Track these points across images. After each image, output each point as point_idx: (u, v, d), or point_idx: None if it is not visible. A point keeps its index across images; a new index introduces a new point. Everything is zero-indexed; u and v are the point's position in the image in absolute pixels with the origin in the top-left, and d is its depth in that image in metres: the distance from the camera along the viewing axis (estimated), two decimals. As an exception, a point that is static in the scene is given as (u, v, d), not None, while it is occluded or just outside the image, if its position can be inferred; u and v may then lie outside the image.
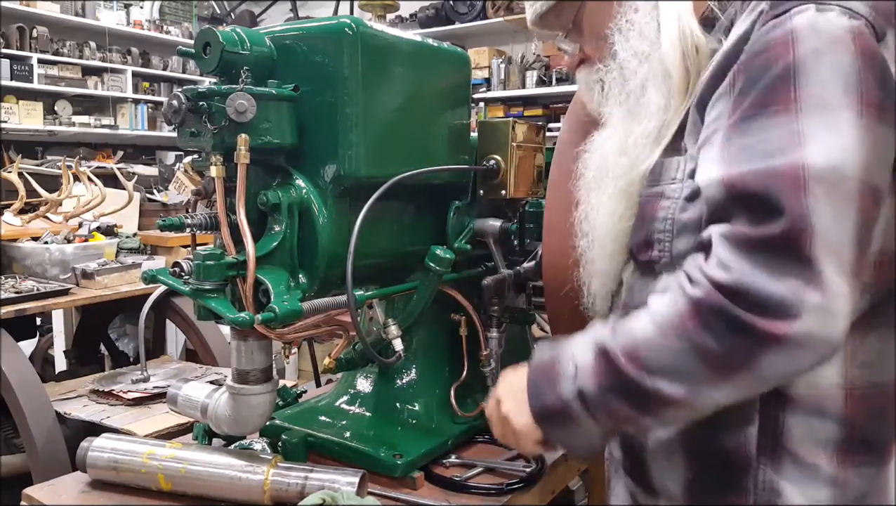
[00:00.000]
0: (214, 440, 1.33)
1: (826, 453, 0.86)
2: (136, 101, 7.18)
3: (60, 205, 3.18)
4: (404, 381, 1.41)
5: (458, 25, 6.36)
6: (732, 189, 0.78)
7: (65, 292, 2.57)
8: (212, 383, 1.32)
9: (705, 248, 0.80)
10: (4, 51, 6.06)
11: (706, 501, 0.93)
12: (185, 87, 1.09)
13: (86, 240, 2.92)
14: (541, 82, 6.07)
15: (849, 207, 0.74)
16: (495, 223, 1.36)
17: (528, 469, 1.27)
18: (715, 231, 0.79)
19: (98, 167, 4.64)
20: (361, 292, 1.13)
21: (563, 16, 1.06)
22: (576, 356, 0.89)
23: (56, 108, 6.68)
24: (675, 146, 0.92)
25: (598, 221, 1.00)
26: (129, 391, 2.30)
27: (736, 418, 0.88)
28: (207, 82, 1.28)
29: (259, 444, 1.27)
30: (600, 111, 1.03)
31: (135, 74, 7.09)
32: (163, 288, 2.28)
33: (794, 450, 0.87)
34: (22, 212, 3.08)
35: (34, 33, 6.29)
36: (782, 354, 0.75)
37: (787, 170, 0.75)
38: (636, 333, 0.83)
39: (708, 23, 0.93)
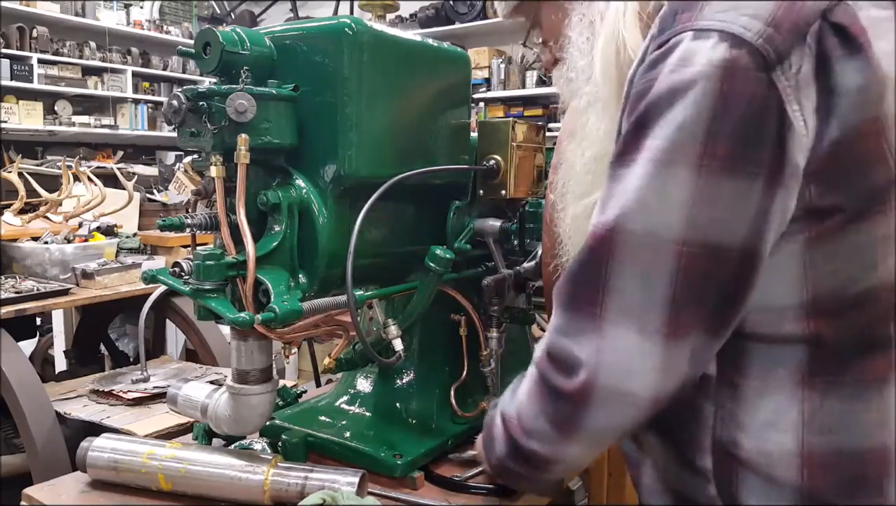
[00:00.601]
0: (214, 440, 1.33)
1: None
2: (136, 101, 7.18)
3: (60, 205, 3.18)
4: (404, 381, 1.41)
5: (458, 25, 6.36)
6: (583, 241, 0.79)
7: (65, 292, 2.57)
8: (212, 382, 1.32)
9: None
10: (4, 51, 6.07)
11: None
12: (185, 87, 1.09)
13: (86, 240, 2.93)
14: (541, 82, 6.07)
15: (660, 269, 0.71)
16: (495, 223, 1.36)
17: None
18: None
19: (98, 167, 4.64)
20: (361, 292, 1.13)
21: (525, 14, 1.03)
22: (497, 420, 0.93)
23: (56, 108, 6.68)
24: None
25: (569, 245, 0.97)
26: (129, 391, 2.31)
27: (695, 471, 0.83)
28: (207, 82, 1.28)
29: (259, 444, 1.27)
30: (567, 122, 0.99)
31: (135, 74, 7.10)
32: (163, 288, 2.27)
33: None
34: (22, 212, 3.08)
35: (34, 33, 6.29)
36: (596, 409, 0.76)
37: (602, 230, 0.74)
38: (519, 397, 0.87)
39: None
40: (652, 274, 0.72)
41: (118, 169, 4.10)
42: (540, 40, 1.05)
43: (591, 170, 0.90)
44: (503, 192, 1.35)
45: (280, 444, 1.26)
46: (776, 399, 0.77)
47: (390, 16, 6.69)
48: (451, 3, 6.36)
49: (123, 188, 3.36)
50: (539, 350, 0.83)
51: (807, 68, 0.69)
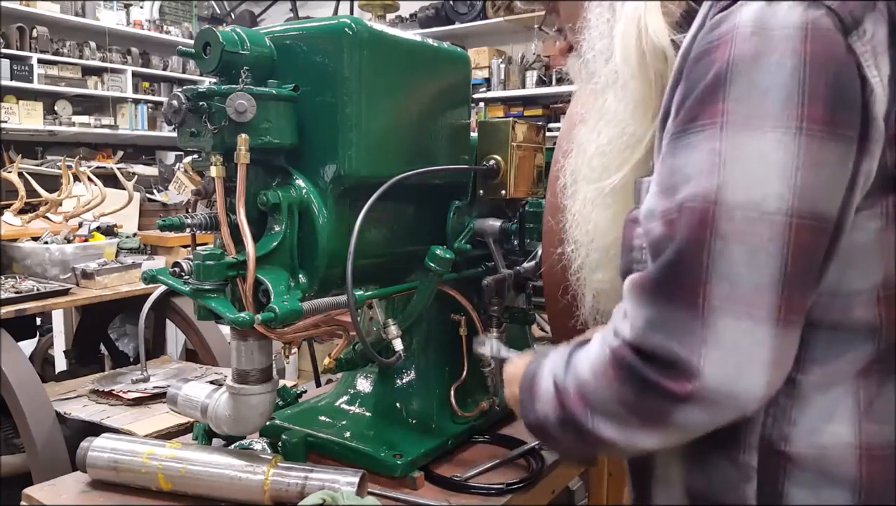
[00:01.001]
0: (214, 440, 1.33)
1: None
2: (136, 101, 7.17)
3: (60, 205, 3.18)
4: (404, 381, 1.41)
5: (458, 25, 6.36)
6: (648, 229, 0.73)
7: (65, 292, 2.57)
8: (212, 382, 1.32)
9: None
10: (4, 51, 6.06)
11: None
12: (185, 87, 1.09)
13: (86, 240, 2.92)
14: (541, 82, 6.07)
15: (771, 246, 0.66)
16: (495, 223, 1.36)
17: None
18: (628, 278, 0.75)
19: (98, 167, 4.63)
20: (361, 292, 1.13)
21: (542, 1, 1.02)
22: (544, 381, 0.86)
23: (56, 108, 6.67)
24: (651, 165, 0.83)
25: (576, 233, 0.95)
26: (129, 391, 2.31)
27: (734, 470, 0.79)
28: (207, 82, 1.28)
29: (259, 444, 1.27)
30: (580, 107, 0.97)
31: (135, 74, 7.09)
32: (163, 288, 2.28)
33: None
34: (22, 212, 3.08)
35: (34, 33, 6.29)
36: (695, 410, 0.70)
37: (696, 206, 0.68)
38: (580, 371, 0.81)
39: (688, 20, 0.80)
40: (759, 252, 0.66)
41: (118, 169, 4.10)
42: (555, 28, 1.04)
43: (606, 152, 0.87)
44: (503, 192, 1.35)
45: (280, 444, 1.26)
46: (834, 391, 0.74)
47: (390, 16, 6.69)
48: (451, 3, 6.36)
49: (123, 188, 3.36)
50: (615, 338, 0.75)
51: (881, 35, 0.67)
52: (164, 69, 7.49)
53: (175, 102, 1.07)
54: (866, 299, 0.73)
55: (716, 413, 0.70)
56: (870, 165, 0.68)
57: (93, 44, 6.81)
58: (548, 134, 1.48)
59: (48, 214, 3.13)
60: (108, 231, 3.12)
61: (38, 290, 2.52)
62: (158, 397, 2.26)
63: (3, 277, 2.63)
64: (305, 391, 1.55)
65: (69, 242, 2.85)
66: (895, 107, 0.67)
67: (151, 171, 5.32)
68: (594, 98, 0.91)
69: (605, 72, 0.86)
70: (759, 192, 0.66)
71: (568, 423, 0.82)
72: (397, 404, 1.40)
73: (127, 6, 7.29)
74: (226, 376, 1.63)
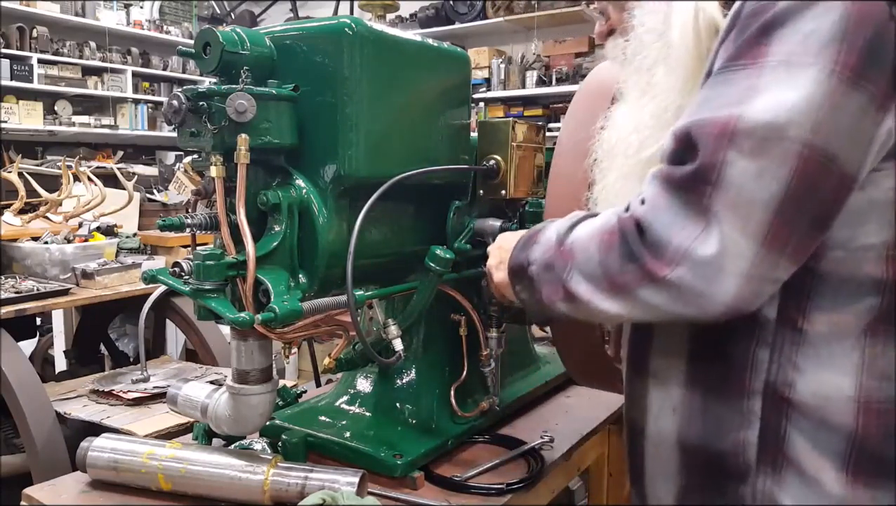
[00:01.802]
0: (214, 440, 1.33)
1: (834, 468, 0.79)
2: (136, 101, 7.17)
3: (60, 205, 3.18)
4: (404, 381, 1.41)
5: (458, 25, 6.36)
6: (675, 137, 0.78)
7: (65, 292, 2.57)
8: (212, 382, 1.32)
9: None
10: (4, 51, 6.06)
11: None
12: (185, 87, 1.09)
13: (86, 240, 2.92)
14: (541, 82, 6.07)
15: (779, 168, 0.70)
16: (495, 223, 1.36)
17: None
18: (651, 171, 0.81)
19: (98, 167, 4.63)
20: (361, 292, 1.13)
21: None
22: (546, 233, 0.95)
23: (56, 108, 6.67)
24: None
25: (610, 203, 0.98)
26: (129, 391, 2.31)
27: (733, 419, 0.83)
28: (207, 82, 1.28)
29: (259, 444, 1.27)
30: (619, 87, 1.01)
31: (135, 74, 7.09)
32: (163, 288, 2.28)
33: (797, 461, 0.80)
34: (22, 212, 3.08)
35: (34, 33, 6.29)
36: (660, 294, 0.77)
37: (721, 119, 0.73)
38: (579, 232, 0.88)
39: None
40: (767, 171, 0.71)
41: (118, 169, 4.10)
42: (596, 9, 1.07)
43: (649, 125, 0.92)
44: (503, 192, 1.35)
45: (280, 444, 1.26)
46: (839, 343, 0.79)
47: (390, 16, 6.69)
48: (451, 3, 6.36)
49: (123, 188, 3.36)
50: (624, 213, 0.81)
51: None
52: (164, 69, 7.49)
53: (175, 102, 1.07)
54: (876, 256, 0.77)
55: (677, 304, 0.76)
56: (891, 126, 0.72)
57: (93, 44, 6.81)
58: (548, 134, 1.48)
59: (48, 214, 3.13)
60: (108, 231, 3.12)
61: (38, 290, 2.52)
62: (158, 397, 2.26)
63: (3, 277, 2.64)
64: (305, 391, 1.55)
65: (69, 242, 2.85)
66: None
67: (151, 171, 5.32)
68: (639, 74, 0.95)
69: (655, 47, 0.91)
70: (784, 117, 0.70)
71: (550, 269, 0.90)
72: (397, 404, 1.40)
73: (127, 6, 7.29)
74: (226, 376, 1.63)
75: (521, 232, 1.04)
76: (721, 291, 0.73)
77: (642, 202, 0.80)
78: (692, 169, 0.74)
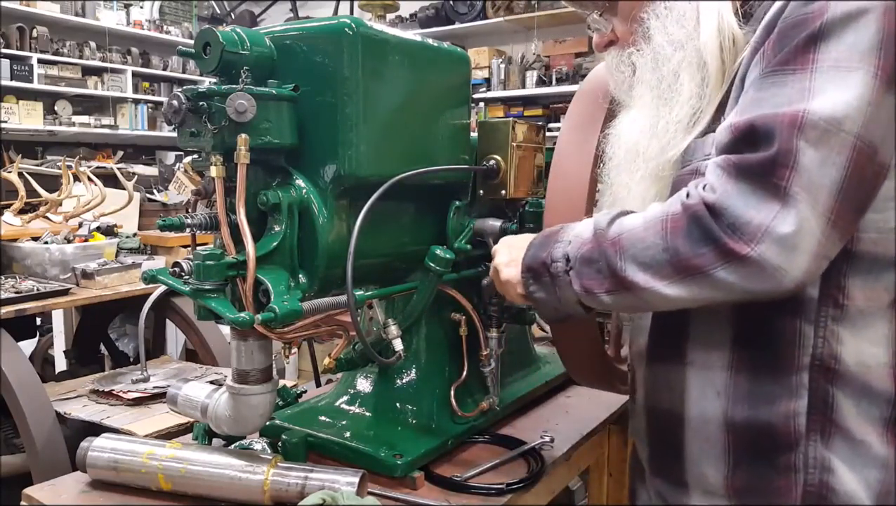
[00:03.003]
0: (214, 440, 1.33)
1: (876, 430, 0.87)
2: (136, 101, 7.18)
3: (60, 205, 3.18)
4: (404, 381, 1.41)
5: (458, 25, 6.36)
6: (737, 130, 0.83)
7: (65, 292, 2.57)
8: (212, 382, 1.32)
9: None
10: (4, 51, 6.07)
11: (750, 486, 0.92)
12: (185, 87, 1.09)
13: (86, 240, 2.93)
14: (541, 82, 6.07)
15: (838, 157, 0.78)
16: (495, 223, 1.36)
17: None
18: (712, 162, 0.86)
19: (98, 167, 4.64)
20: (361, 292, 1.13)
21: (596, 3, 1.08)
22: (577, 230, 0.98)
23: (56, 108, 6.68)
24: (710, 128, 0.94)
25: (629, 202, 1.02)
26: (129, 391, 2.31)
27: (782, 393, 0.90)
28: (207, 82, 1.28)
29: (259, 444, 1.27)
30: (628, 94, 1.05)
31: (135, 74, 7.10)
32: (163, 288, 2.28)
33: (844, 426, 0.88)
34: (22, 212, 3.08)
35: (34, 33, 6.29)
36: (737, 273, 0.81)
37: (788, 113, 0.80)
38: (626, 225, 0.91)
39: (744, 17, 0.95)
40: (830, 160, 0.78)
41: (118, 169, 4.10)
42: (601, 18, 1.10)
43: (671, 130, 0.97)
44: (503, 192, 1.35)
45: (280, 444, 1.26)
46: (873, 316, 0.88)
47: (390, 16, 6.69)
48: (451, 3, 6.36)
49: (123, 188, 3.36)
50: (689, 200, 0.85)
51: None
52: (164, 69, 7.50)
53: (175, 102, 1.07)
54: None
55: (754, 281, 0.81)
56: None
57: (93, 44, 6.81)
58: (548, 134, 1.48)
59: (48, 214, 3.13)
60: (108, 231, 3.12)
61: (38, 290, 2.52)
62: (158, 397, 2.26)
63: (3, 277, 2.64)
64: (305, 391, 1.55)
65: (69, 242, 2.85)
66: None
67: (151, 171, 5.32)
68: (655, 82, 1.00)
69: (676, 57, 0.97)
70: (841, 112, 0.78)
71: (590, 262, 0.92)
72: (397, 404, 1.40)
73: (127, 6, 7.29)
74: (226, 376, 1.63)
75: (529, 235, 1.07)
76: (796, 266, 0.79)
77: (705, 189, 0.84)
78: (770, 155, 0.80)
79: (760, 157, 0.80)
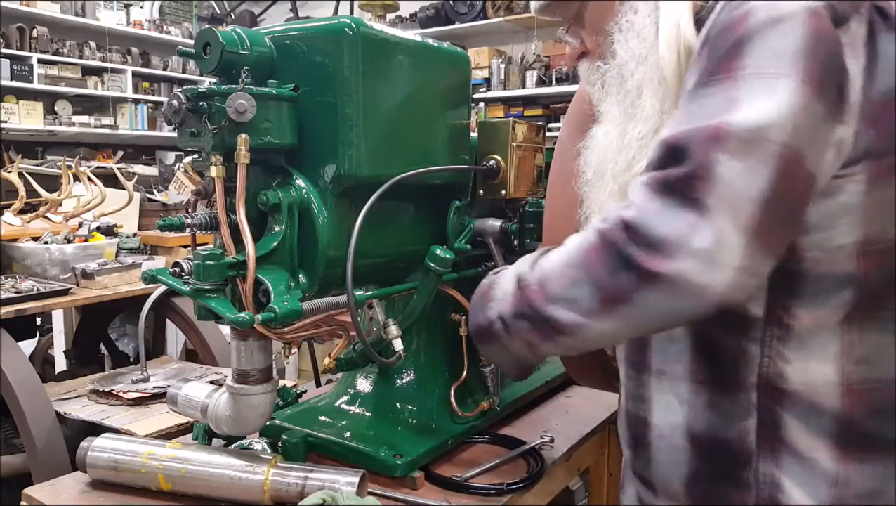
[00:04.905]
0: (214, 440, 1.33)
1: (826, 447, 0.86)
2: (136, 101, 7.18)
3: (60, 205, 3.18)
4: (404, 381, 1.41)
5: (458, 25, 6.36)
6: (662, 146, 0.81)
7: (65, 292, 2.57)
8: (212, 382, 1.32)
9: None
10: (4, 51, 6.07)
11: (708, 497, 0.93)
12: (185, 87, 1.09)
13: (86, 240, 2.92)
14: (541, 82, 6.07)
15: (763, 167, 0.75)
16: (495, 223, 1.36)
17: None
18: (638, 179, 0.83)
19: (98, 167, 4.63)
20: (361, 292, 1.13)
21: (565, 9, 1.07)
22: (504, 286, 0.97)
23: (56, 108, 6.68)
24: None
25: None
26: (129, 391, 2.30)
27: (736, 410, 0.89)
28: (207, 82, 1.28)
29: (259, 444, 1.27)
30: (599, 108, 1.04)
31: (135, 74, 7.10)
32: (163, 288, 2.28)
33: (792, 443, 0.87)
34: (22, 212, 3.08)
35: (34, 33, 6.29)
36: (659, 293, 0.77)
37: (710, 126, 0.77)
38: (547, 265, 0.90)
39: (697, 24, 0.91)
40: (754, 170, 0.75)
41: (118, 169, 4.10)
42: (569, 34, 1.09)
43: (635, 147, 0.95)
44: (503, 192, 1.35)
45: (280, 444, 1.26)
46: (821, 335, 0.85)
47: (390, 16, 6.69)
48: (451, 3, 6.36)
49: (123, 188, 3.36)
50: (605, 225, 0.83)
51: (861, 34, 0.80)
52: (164, 69, 7.50)
53: (175, 102, 1.07)
54: (848, 254, 0.83)
55: (678, 300, 0.78)
56: (842, 135, 0.79)
57: (93, 44, 6.81)
58: (548, 134, 1.48)
59: (48, 214, 3.13)
60: (108, 231, 3.12)
61: (38, 290, 2.52)
62: (158, 397, 2.26)
63: (3, 277, 2.63)
64: (305, 391, 1.55)
65: (69, 242, 2.84)
66: (868, 94, 0.79)
67: (151, 171, 5.32)
68: (620, 97, 0.98)
69: (639, 72, 0.94)
70: (766, 121, 0.75)
71: (521, 316, 0.91)
72: (397, 404, 1.40)
73: (127, 6, 7.29)
74: (226, 376, 1.63)
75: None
76: (717, 280, 0.75)
77: (627, 208, 0.81)
78: (685, 170, 0.77)
79: (678, 172, 0.78)
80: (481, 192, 1.38)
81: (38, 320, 3.58)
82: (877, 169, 0.81)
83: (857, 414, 0.85)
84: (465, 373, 1.38)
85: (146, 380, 2.40)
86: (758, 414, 0.88)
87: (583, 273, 0.84)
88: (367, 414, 1.40)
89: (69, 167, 3.26)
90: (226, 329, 2.35)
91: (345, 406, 1.43)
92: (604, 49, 1.00)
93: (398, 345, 1.25)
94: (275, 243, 1.11)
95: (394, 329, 1.25)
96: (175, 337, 3.58)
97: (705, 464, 0.93)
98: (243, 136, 1.05)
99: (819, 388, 0.85)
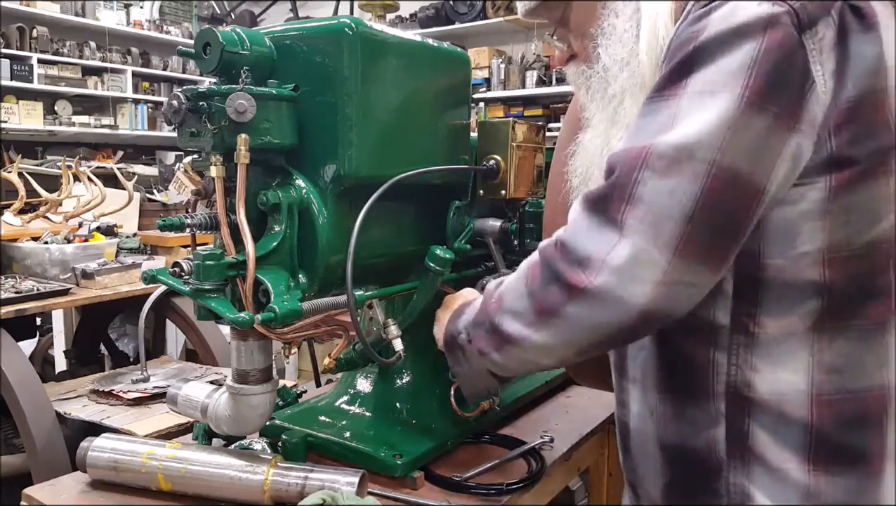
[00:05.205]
0: (214, 440, 1.33)
1: (796, 458, 0.84)
2: (136, 101, 7.18)
3: (60, 205, 3.18)
4: (404, 381, 1.41)
5: (458, 25, 6.36)
6: (606, 163, 0.84)
7: (65, 292, 2.57)
8: (212, 382, 1.32)
9: None
10: (4, 51, 6.07)
11: (684, 503, 0.93)
12: (185, 87, 1.09)
13: (86, 240, 2.92)
14: (541, 82, 6.07)
15: (688, 185, 0.76)
16: (495, 223, 1.36)
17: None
18: (580, 195, 0.87)
19: (98, 167, 4.63)
20: (361, 292, 1.13)
21: (551, 11, 1.06)
22: (476, 301, 1.03)
23: (56, 108, 6.68)
24: None
25: None
26: (129, 391, 2.30)
27: (704, 419, 0.89)
28: (207, 82, 1.28)
29: (259, 444, 1.27)
30: (584, 113, 1.04)
31: (135, 74, 7.10)
32: (163, 288, 2.28)
33: (761, 454, 0.85)
34: (22, 212, 3.08)
35: (34, 33, 6.29)
36: (583, 306, 0.81)
37: (638, 146, 0.79)
38: (507, 281, 0.95)
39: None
40: (678, 189, 0.76)
41: (118, 169, 4.09)
42: (554, 36, 1.09)
43: None
44: (503, 192, 1.35)
45: (280, 444, 1.26)
46: (789, 343, 0.84)
47: (390, 16, 6.69)
48: (451, 3, 6.36)
49: (123, 188, 3.36)
50: (545, 243, 0.88)
51: (829, 37, 0.78)
52: (164, 69, 7.50)
53: (175, 102, 1.07)
54: (812, 262, 0.82)
55: (600, 312, 0.81)
56: (799, 144, 0.78)
57: (93, 44, 6.81)
58: (548, 134, 1.47)
59: (48, 214, 3.13)
60: (108, 231, 3.12)
61: (38, 290, 2.52)
62: (158, 397, 2.26)
63: (3, 277, 2.63)
64: (305, 391, 1.55)
65: (69, 242, 2.84)
66: (837, 99, 0.78)
67: (151, 171, 5.32)
68: (604, 103, 0.98)
69: (622, 78, 0.94)
70: (694, 139, 0.76)
71: (482, 324, 0.96)
72: (397, 404, 1.40)
73: (127, 6, 7.29)
74: (226, 376, 1.63)
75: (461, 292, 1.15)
76: (637, 294, 0.78)
77: (564, 227, 0.86)
78: (606, 188, 0.81)
79: (601, 190, 0.81)
80: (481, 192, 1.38)
81: (38, 320, 3.58)
82: (842, 176, 0.79)
83: (827, 425, 0.83)
84: (465, 373, 1.38)
85: (146, 380, 2.40)
86: (726, 423, 0.87)
87: (524, 286, 0.89)
88: (367, 414, 1.40)
89: (69, 167, 3.26)
90: (226, 329, 2.35)
91: (345, 406, 1.43)
92: (589, 53, 1.00)
93: (398, 345, 1.25)
94: (275, 243, 1.11)
95: (394, 329, 1.25)
96: (175, 337, 3.58)
97: (678, 473, 0.93)
98: (243, 136, 1.05)
99: (788, 397, 0.84)
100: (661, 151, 0.77)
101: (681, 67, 0.79)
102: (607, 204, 0.80)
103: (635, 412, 0.99)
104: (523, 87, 6.17)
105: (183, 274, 1.10)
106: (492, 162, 1.35)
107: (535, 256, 0.89)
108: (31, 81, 6.24)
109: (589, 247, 0.81)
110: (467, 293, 1.20)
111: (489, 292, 0.97)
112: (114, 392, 2.30)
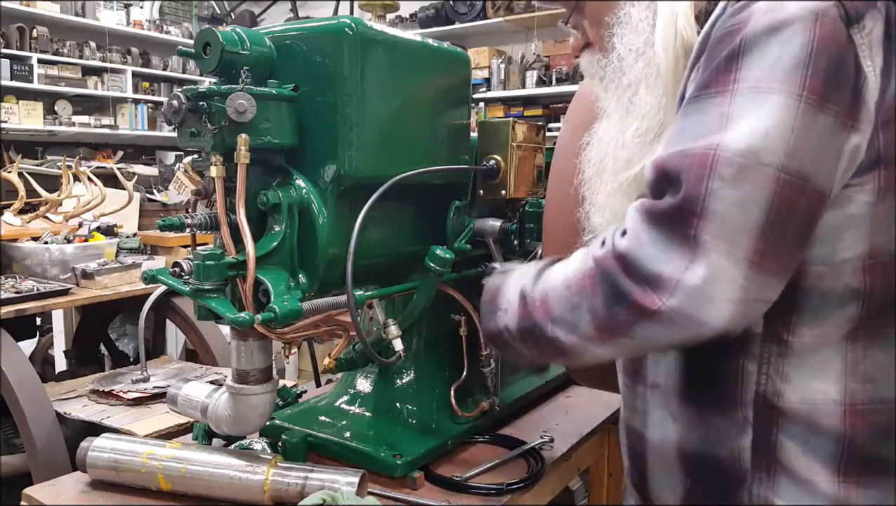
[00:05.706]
0: (214, 440, 1.33)
1: (825, 470, 0.82)
2: (136, 101, 7.18)
3: (60, 205, 3.18)
4: (404, 381, 1.41)
5: (458, 25, 6.36)
6: (654, 170, 0.79)
7: (65, 292, 2.57)
8: (212, 382, 1.32)
9: None
10: (4, 51, 6.07)
11: None
12: (185, 87, 1.09)
13: (86, 240, 2.92)
14: (541, 82, 6.07)
15: (760, 193, 0.72)
16: (495, 223, 1.36)
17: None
18: (632, 204, 0.81)
19: (98, 167, 4.63)
20: (361, 292, 1.13)
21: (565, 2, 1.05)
22: (508, 294, 0.96)
23: (56, 108, 6.68)
24: None
25: (596, 220, 1.00)
26: (129, 391, 2.30)
27: (729, 428, 0.87)
28: (207, 82, 1.28)
29: (259, 444, 1.27)
30: (599, 104, 1.02)
31: (135, 74, 7.10)
32: (163, 288, 2.28)
33: (789, 465, 0.83)
34: (22, 212, 3.08)
35: (34, 33, 6.29)
36: (655, 327, 0.76)
37: (700, 151, 0.74)
38: (550, 283, 0.89)
39: (703, 18, 0.88)
40: (749, 198, 0.72)
41: (118, 169, 4.09)
42: (570, 25, 1.07)
43: (631, 144, 0.93)
44: (503, 192, 1.35)
45: (280, 444, 1.26)
46: (823, 352, 0.82)
47: (390, 16, 6.69)
48: (451, 3, 6.36)
49: (123, 188, 3.36)
50: (601, 252, 0.81)
51: (878, 31, 0.75)
52: (164, 69, 7.50)
53: (175, 102, 1.07)
54: (853, 268, 0.80)
55: (674, 333, 0.76)
56: (857, 143, 0.75)
57: (93, 44, 6.81)
58: (548, 134, 1.47)
59: (48, 214, 3.13)
60: (108, 231, 3.12)
61: (38, 290, 2.52)
62: (158, 397, 2.26)
63: (3, 277, 2.63)
64: (305, 391, 1.55)
65: (69, 242, 2.84)
66: (884, 94, 0.75)
67: (151, 171, 5.32)
68: (619, 93, 0.96)
69: (637, 67, 0.92)
70: (759, 144, 0.72)
71: (528, 331, 0.91)
72: (397, 404, 1.40)
73: (127, 6, 7.29)
74: (226, 376, 1.63)
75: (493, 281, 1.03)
76: (714, 315, 0.74)
77: (623, 235, 0.80)
78: (677, 202, 0.75)
79: (670, 204, 0.75)
80: (481, 192, 1.38)
81: (38, 320, 3.58)
82: (887, 177, 0.77)
83: (859, 435, 0.81)
84: (464, 373, 1.38)
85: (146, 380, 2.40)
86: (753, 433, 0.85)
87: (580, 298, 0.82)
88: (367, 414, 1.40)
89: (69, 167, 3.26)
90: (226, 329, 2.35)
91: (345, 406, 1.43)
92: (605, 42, 0.97)
93: (398, 345, 1.25)
94: (275, 243, 1.11)
95: (394, 329, 1.25)
96: (175, 337, 3.58)
97: (698, 483, 0.91)
98: (243, 136, 1.05)
99: (819, 407, 0.82)
100: (727, 157, 0.72)
101: (727, 61, 0.75)
102: (677, 218, 0.74)
103: (654, 419, 0.96)
104: (523, 87, 6.17)
105: (183, 274, 1.10)
106: (492, 162, 1.35)
107: (586, 263, 0.83)
108: (31, 81, 6.24)
109: (659, 265, 0.75)
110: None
111: (529, 295, 0.91)
112: (114, 392, 2.30)
